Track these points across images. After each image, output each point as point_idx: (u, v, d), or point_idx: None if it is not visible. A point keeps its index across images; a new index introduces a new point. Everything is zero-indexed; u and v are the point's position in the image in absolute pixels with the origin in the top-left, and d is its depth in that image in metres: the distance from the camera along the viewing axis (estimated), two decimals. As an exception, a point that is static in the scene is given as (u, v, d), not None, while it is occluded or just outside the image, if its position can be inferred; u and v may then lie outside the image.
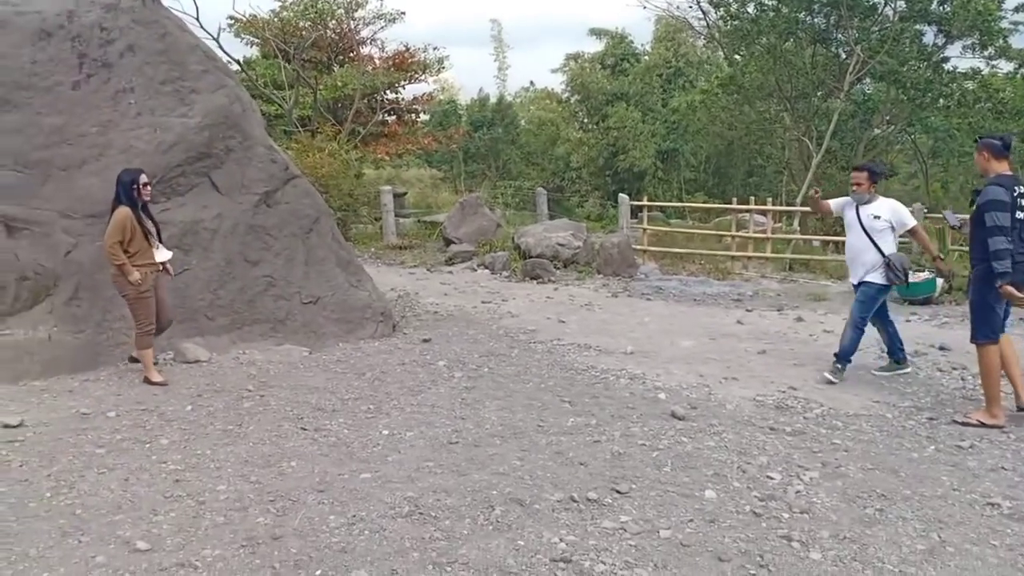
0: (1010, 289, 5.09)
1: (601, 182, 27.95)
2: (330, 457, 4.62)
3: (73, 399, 5.73)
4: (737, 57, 22.69)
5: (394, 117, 21.67)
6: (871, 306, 6.38)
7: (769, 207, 14.21)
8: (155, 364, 6.25)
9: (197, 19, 15.04)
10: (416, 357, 7.03)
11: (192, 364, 6.62)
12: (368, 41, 21.37)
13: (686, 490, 4.19)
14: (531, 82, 45.06)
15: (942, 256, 5.87)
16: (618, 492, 4.13)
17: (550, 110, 31.03)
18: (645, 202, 15.46)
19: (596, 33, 30.91)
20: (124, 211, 5.94)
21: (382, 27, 21.14)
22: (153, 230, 6.19)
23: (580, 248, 12.75)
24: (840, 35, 19.51)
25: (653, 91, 28.08)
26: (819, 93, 20.50)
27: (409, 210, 19.48)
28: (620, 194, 16.64)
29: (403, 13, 21.08)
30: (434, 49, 21.63)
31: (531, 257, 12.40)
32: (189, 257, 7.03)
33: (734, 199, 14.55)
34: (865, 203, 6.37)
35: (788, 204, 17.75)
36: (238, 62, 18.96)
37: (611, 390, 6.09)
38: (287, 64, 18.49)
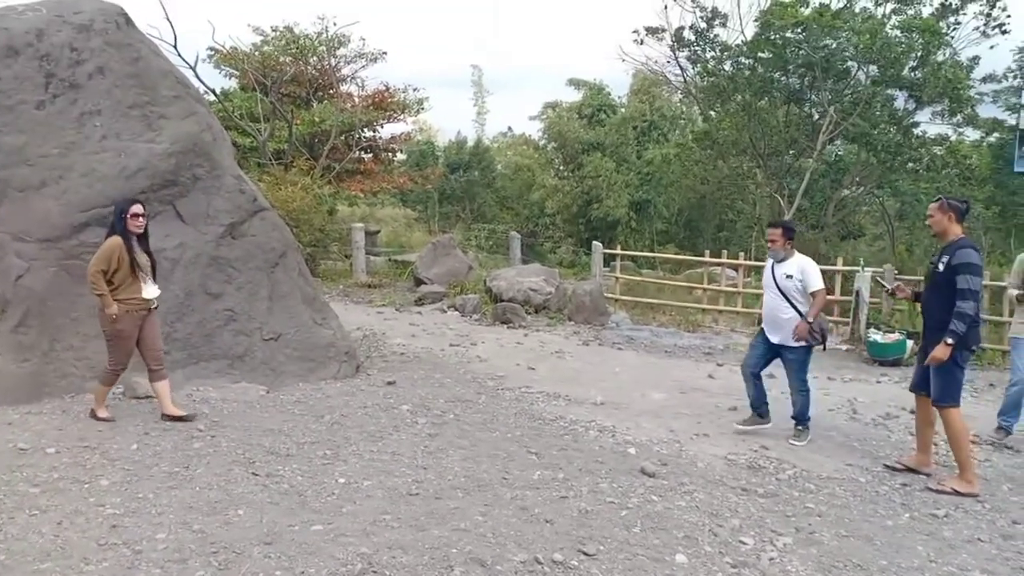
0: (941, 356, 5.11)
1: (574, 229, 28.03)
2: (280, 506, 4.36)
3: (11, 432, 5.40)
4: (712, 113, 23.07)
5: (371, 155, 21.56)
6: (806, 367, 6.33)
7: (740, 261, 14.25)
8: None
9: (175, 47, 14.80)
10: (379, 400, 6.79)
11: (142, 400, 6.31)
12: (348, 79, 21.36)
13: (656, 553, 4.00)
14: (509, 127, 45.23)
15: (809, 321, 5.96)
16: (585, 554, 3.92)
17: (527, 156, 31.19)
18: (618, 251, 15.44)
19: (574, 83, 31.31)
20: (114, 240, 5.62)
21: (363, 66, 21.15)
22: (147, 264, 5.82)
23: (552, 294, 12.62)
24: (814, 96, 19.95)
25: (628, 142, 28.37)
26: (792, 152, 20.86)
27: (381, 248, 19.26)
28: (594, 242, 16.61)
29: (384, 53, 21.06)
30: (414, 90, 21.66)
31: (502, 301, 12.24)
32: (148, 287, 6.76)
33: (706, 252, 14.54)
34: (780, 260, 6.29)
35: (758, 259, 17.84)
36: (214, 92, 18.77)
37: (580, 442, 5.89)
38: (264, 97, 18.35)
